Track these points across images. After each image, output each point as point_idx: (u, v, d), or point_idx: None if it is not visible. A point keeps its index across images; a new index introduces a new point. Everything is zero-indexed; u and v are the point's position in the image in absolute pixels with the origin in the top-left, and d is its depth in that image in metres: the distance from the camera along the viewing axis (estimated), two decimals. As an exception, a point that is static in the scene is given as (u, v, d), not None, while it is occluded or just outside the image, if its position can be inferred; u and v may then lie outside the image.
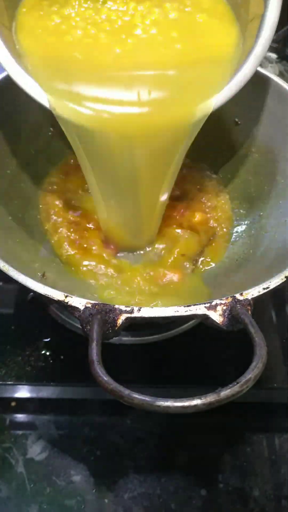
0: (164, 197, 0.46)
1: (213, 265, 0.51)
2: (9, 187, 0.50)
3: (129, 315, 0.32)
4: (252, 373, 0.27)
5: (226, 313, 0.32)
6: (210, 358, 0.49)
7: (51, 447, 0.44)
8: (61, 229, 0.50)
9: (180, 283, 0.48)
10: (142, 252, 0.50)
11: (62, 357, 0.48)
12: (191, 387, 0.46)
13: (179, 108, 0.39)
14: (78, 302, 0.32)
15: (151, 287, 0.47)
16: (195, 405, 0.26)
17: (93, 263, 0.48)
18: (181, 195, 0.54)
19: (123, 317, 0.31)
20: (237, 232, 0.54)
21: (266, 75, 0.52)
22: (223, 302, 0.32)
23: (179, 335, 0.49)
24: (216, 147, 0.56)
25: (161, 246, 0.50)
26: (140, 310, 0.32)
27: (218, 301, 0.32)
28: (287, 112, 0.50)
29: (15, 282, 0.34)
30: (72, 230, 0.50)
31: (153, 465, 0.44)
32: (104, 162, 0.42)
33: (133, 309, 0.32)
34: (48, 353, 0.48)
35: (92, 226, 0.51)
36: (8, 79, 0.41)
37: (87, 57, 0.40)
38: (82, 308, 0.32)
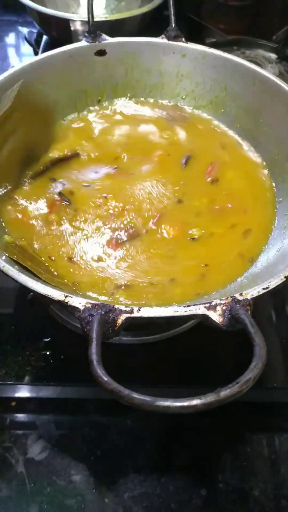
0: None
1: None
2: None
3: (129, 315, 0.32)
4: (252, 373, 0.27)
5: (225, 313, 0.32)
6: (210, 358, 0.49)
7: (51, 447, 0.44)
8: None
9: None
10: None
11: (62, 357, 0.48)
12: (191, 387, 0.46)
13: None
14: (78, 302, 0.32)
15: None
16: (195, 405, 0.26)
17: None
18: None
19: (123, 317, 0.31)
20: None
21: (266, 75, 0.52)
22: (222, 302, 0.32)
23: (179, 335, 0.49)
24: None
25: None
26: (140, 310, 0.32)
27: (218, 301, 0.32)
28: (287, 112, 0.50)
29: (15, 282, 0.34)
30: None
31: (153, 465, 0.44)
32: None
33: (133, 309, 0.32)
34: (48, 353, 0.48)
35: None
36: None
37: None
38: (82, 308, 0.32)
